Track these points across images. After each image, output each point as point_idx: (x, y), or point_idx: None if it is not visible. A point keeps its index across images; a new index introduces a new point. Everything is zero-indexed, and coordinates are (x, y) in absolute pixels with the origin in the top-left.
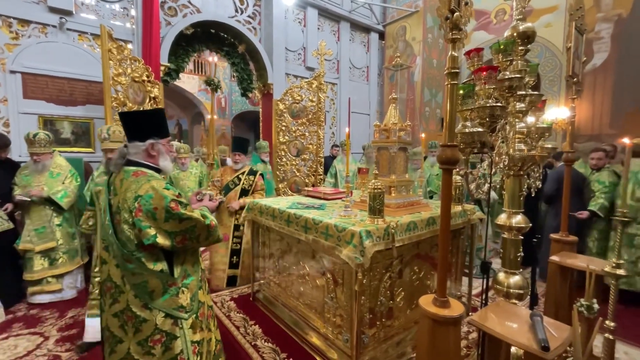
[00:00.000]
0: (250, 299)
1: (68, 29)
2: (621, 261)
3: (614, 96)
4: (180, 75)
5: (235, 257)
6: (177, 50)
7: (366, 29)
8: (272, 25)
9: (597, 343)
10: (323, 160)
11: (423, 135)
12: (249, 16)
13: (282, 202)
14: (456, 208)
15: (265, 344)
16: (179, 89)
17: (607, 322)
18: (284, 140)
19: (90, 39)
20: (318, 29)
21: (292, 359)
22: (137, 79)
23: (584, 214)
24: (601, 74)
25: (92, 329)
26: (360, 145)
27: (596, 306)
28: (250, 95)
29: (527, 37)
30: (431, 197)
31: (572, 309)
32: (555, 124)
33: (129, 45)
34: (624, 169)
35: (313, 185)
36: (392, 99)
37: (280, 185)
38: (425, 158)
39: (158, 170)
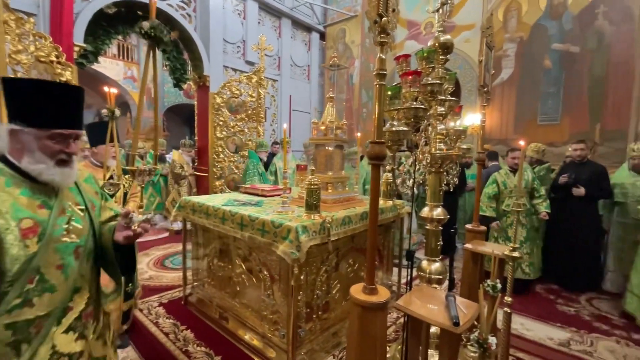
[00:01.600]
0: (182, 302)
1: None
2: (517, 246)
3: (517, 106)
4: (102, 60)
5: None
6: (96, 30)
7: (308, 28)
8: (209, 14)
9: (500, 317)
10: (266, 158)
11: (359, 134)
12: (182, 1)
13: (217, 200)
14: (387, 203)
15: (198, 348)
16: (100, 75)
17: (506, 298)
18: (222, 135)
19: None
20: (259, 23)
21: None
22: (42, 59)
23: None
24: (507, 86)
25: None
26: (301, 143)
27: (499, 285)
28: (184, 86)
29: (447, 48)
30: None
31: (480, 288)
32: (471, 128)
33: (32, 19)
34: (519, 165)
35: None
36: (330, 98)
37: (217, 183)
38: (362, 157)
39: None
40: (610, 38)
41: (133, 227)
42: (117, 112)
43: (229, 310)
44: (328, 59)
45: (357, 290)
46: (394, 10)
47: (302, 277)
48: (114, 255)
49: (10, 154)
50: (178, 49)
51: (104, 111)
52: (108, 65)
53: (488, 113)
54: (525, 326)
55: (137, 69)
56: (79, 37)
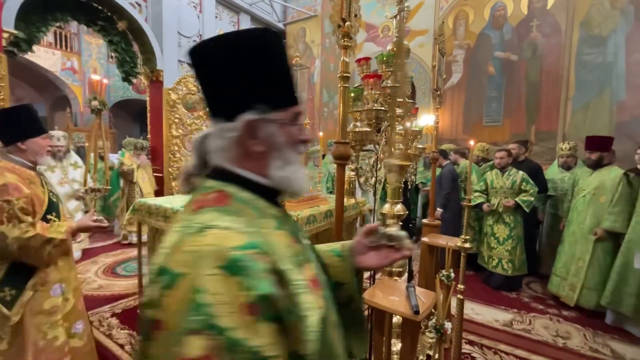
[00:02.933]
0: (138, 311)
1: None
2: (468, 237)
3: (464, 109)
4: (36, 49)
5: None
6: (30, 16)
7: (267, 25)
8: (162, 4)
9: (454, 304)
10: None
11: (321, 133)
12: None
13: (175, 201)
14: (350, 201)
15: None
16: (33, 65)
17: (459, 286)
18: (178, 134)
19: None
20: (216, 17)
21: None
22: None
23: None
24: (457, 90)
25: None
26: None
27: (453, 275)
28: (134, 81)
29: (405, 53)
30: (330, 192)
31: (436, 278)
32: (426, 129)
33: None
34: (469, 163)
35: None
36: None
37: (173, 184)
38: (324, 156)
39: None
40: (542, 48)
41: None
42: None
43: None
44: (289, 59)
45: None
46: (356, 15)
47: None
48: None
49: (239, 165)
50: (127, 40)
51: (94, 103)
52: (43, 55)
53: (440, 115)
54: (475, 311)
55: (77, 60)
56: (8, 23)
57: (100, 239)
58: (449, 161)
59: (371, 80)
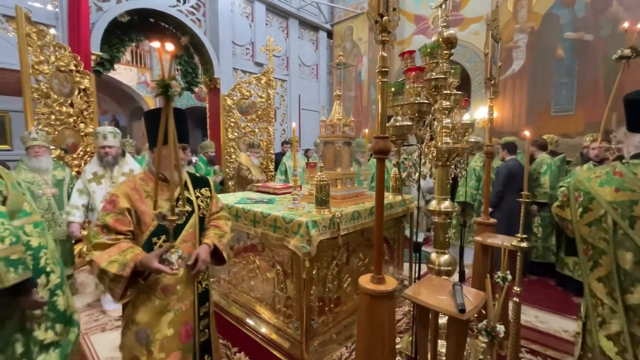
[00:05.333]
0: None
1: None
2: (524, 236)
3: (528, 98)
4: (116, 66)
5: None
6: (111, 39)
7: (315, 28)
8: (218, 17)
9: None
10: (274, 156)
11: (366, 131)
12: (192, 7)
13: (230, 198)
14: (396, 198)
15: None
16: (115, 82)
17: (515, 288)
18: (233, 136)
19: (3, 21)
20: (266, 24)
21: (244, 352)
22: (63, 69)
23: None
24: (519, 78)
25: None
26: (311, 142)
27: (509, 277)
28: (196, 90)
29: (450, 43)
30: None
31: (487, 278)
32: (482, 122)
33: (52, 31)
34: (525, 157)
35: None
36: (337, 96)
37: (230, 183)
38: (371, 155)
39: None
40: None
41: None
42: (177, 88)
43: (244, 304)
44: (335, 58)
45: (365, 280)
46: (394, 9)
47: (313, 271)
48: None
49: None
50: (189, 53)
51: (153, 84)
52: (122, 72)
53: (499, 106)
54: (540, 319)
55: (150, 74)
56: (95, 46)
57: None
58: (514, 156)
59: (413, 73)
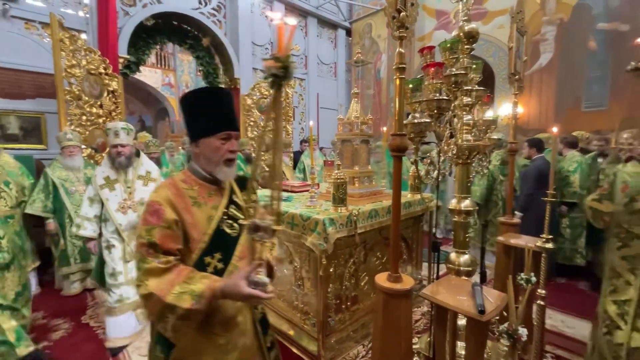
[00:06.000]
0: None
1: (13, 17)
2: (550, 236)
3: (557, 93)
4: (142, 68)
5: None
6: (137, 42)
7: (333, 26)
8: (238, 18)
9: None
10: (292, 155)
11: (384, 128)
12: (213, 9)
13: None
14: (415, 196)
15: None
16: (141, 83)
17: (539, 290)
18: (253, 136)
19: (39, 28)
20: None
21: None
22: (93, 71)
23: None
24: (546, 72)
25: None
26: (329, 140)
27: (534, 279)
28: None
29: (472, 37)
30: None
31: (508, 279)
32: (506, 118)
33: (83, 36)
34: (552, 154)
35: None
36: (354, 94)
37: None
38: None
39: None
40: None
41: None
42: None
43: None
44: (353, 56)
45: (382, 278)
46: (412, 4)
47: (330, 269)
48: None
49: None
50: (210, 54)
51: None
52: (147, 74)
53: (525, 102)
54: (567, 324)
55: (173, 76)
56: (122, 50)
57: None
58: (541, 155)
59: (432, 69)
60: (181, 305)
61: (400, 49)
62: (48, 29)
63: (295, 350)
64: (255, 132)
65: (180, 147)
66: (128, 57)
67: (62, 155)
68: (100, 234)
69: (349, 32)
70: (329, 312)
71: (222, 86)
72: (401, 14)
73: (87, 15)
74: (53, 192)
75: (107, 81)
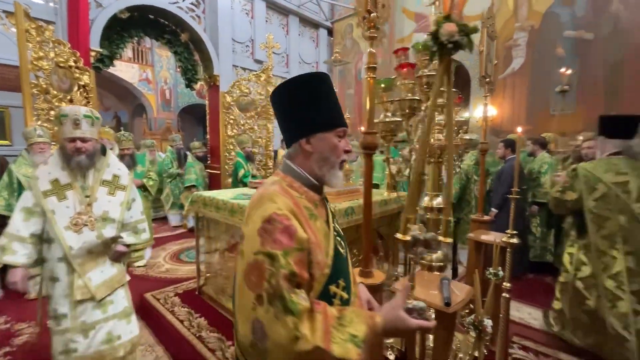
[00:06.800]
0: (196, 292)
1: None
2: (514, 232)
3: (528, 97)
4: (118, 63)
5: None
6: (111, 35)
7: (315, 25)
8: (217, 14)
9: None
10: (273, 154)
11: (362, 128)
12: (192, 4)
13: (227, 194)
14: (391, 195)
15: (211, 334)
16: (116, 78)
17: (504, 284)
18: (233, 134)
19: (3, 17)
20: (266, 21)
21: None
22: (62, 64)
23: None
24: (519, 77)
25: None
26: None
27: (501, 273)
28: (196, 87)
29: None
30: (376, 187)
31: (474, 274)
32: (481, 120)
33: (51, 27)
34: (516, 154)
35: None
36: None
37: (229, 180)
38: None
39: None
40: (626, 22)
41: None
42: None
43: None
44: (332, 55)
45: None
46: (383, 6)
47: None
48: None
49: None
50: (188, 50)
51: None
52: (124, 69)
53: (499, 104)
54: (533, 315)
55: (151, 72)
56: (95, 42)
57: (168, 229)
58: (514, 156)
59: (404, 69)
60: (350, 357)
61: (372, 49)
62: (13, 18)
63: None
64: (235, 130)
65: (169, 145)
66: (101, 50)
67: (31, 151)
68: (41, 261)
69: (330, 32)
70: None
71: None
72: (371, 15)
73: (56, 6)
74: (18, 190)
75: (77, 75)
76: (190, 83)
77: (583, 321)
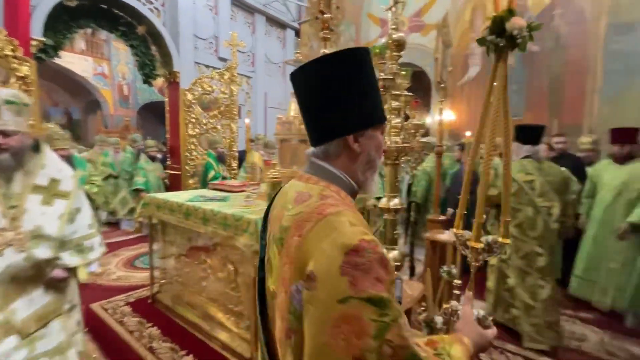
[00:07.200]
0: (149, 301)
1: None
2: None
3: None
4: (69, 55)
5: None
6: (57, 24)
7: (282, 25)
8: (178, 8)
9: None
10: (237, 154)
11: None
12: None
13: (183, 196)
14: None
15: (163, 344)
16: (68, 72)
17: (455, 281)
18: (194, 133)
19: None
20: (231, 18)
21: (193, 354)
22: None
23: None
24: (475, 84)
25: None
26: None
27: (454, 271)
28: (155, 83)
29: (399, 45)
30: None
31: (426, 272)
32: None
33: None
34: (471, 157)
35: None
36: (293, 93)
37: (190, 181)
38: None
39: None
40: (566, 38)
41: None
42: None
43: (196, 305)
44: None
45: None
46: (338, 7)
47: None
48: None
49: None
50: (146, 44)
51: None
52: (76, 61)
53: (457, 109)
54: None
55: (107, 65)
56: (37, 31)
57: (122, 234)
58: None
59: None
60: None
61: (325, 50)
62: None
63: (227, 355)
64: (196, 129)
65: (128, 145)
66: (44, 39)
67: None
68: None
69: (298, 33)
70: None
71: None
72: (324, 15)
73: None
74: None
75: (15, 65)
76: (148, 79)
77: (505, 298)
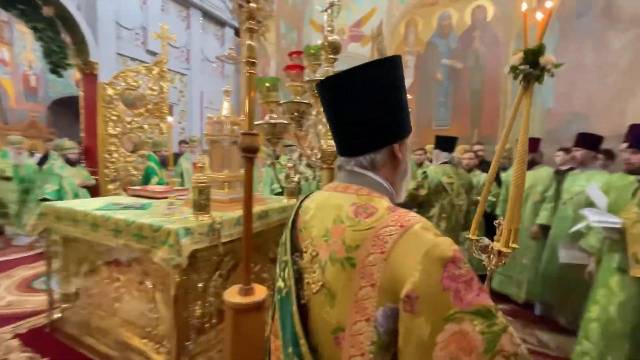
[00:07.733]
0: (47, 330)
1: None
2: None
3: (416, 113)
4: None
5: None
6: None
7: (221, 23)
8: None
9: None
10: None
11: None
12: None
13: (92, 204)
14: (291, 201)
15: None
16: None
17: None
18: (115, 132)
19: None
20: (162, 10)
21: None
22: None
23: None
24: (409, 95)
25: None
26: None
27: None
28: (66, 74)
29: (335, 48)
30: (279, 194)
31: None
32: None
33: None
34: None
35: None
36: (225, 92)
37: (110, 187)
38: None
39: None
40: (484, 58)
41: None
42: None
43: (107, 332)
44: (240, 55)
45: (231, 293)
46: None
47: (189, 284)
48: None
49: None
50: (54, 28)
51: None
52: None
53: None
54: None
55: (8, 51)
56: None
57: (20, 250)
58: None
59: (293, 71)
60: None
61: (251, 42)
62: None
63: None
64: (118, 129)
65: (52, 151)
66: None
67: None
68: None
69: (238, 32)
70: (189, 334)
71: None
72: (249, 4)
73: None
74: None
75: None
76: (56, 68)
77: None
